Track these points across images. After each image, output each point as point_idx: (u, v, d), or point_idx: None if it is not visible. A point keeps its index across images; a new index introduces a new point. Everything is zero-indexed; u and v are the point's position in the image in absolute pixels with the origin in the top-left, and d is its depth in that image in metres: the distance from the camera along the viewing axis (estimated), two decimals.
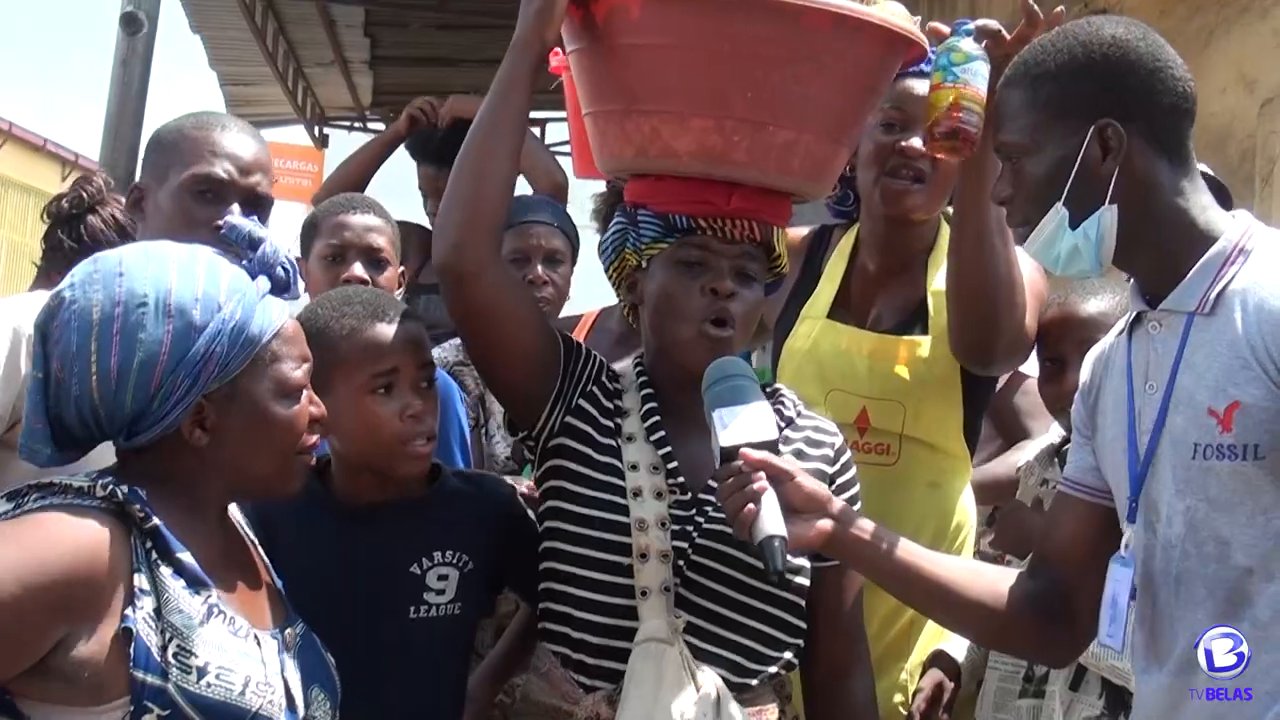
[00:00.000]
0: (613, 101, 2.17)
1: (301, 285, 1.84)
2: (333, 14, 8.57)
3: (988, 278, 2.42)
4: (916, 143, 2.55)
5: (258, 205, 2.30)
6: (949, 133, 2.21)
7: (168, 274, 1.67)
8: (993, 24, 2.24)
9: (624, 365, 2.27)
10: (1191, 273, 1.78)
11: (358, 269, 2.75)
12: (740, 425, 1.90)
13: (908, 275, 2.75)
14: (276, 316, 1.74)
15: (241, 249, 1.76)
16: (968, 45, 2.23)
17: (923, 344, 2.68)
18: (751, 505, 1.83)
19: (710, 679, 1.99)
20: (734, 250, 2.13)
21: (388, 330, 2.11)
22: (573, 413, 2.16)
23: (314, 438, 1.80)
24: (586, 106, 2.25)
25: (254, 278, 1.74)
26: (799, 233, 2.91)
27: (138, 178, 2.37)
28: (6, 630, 1.51)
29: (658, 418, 2.15)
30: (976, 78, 2.21)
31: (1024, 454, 2.87)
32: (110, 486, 1.61)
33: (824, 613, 2.17)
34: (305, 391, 1.77)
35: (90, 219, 2.73)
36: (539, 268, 3.12)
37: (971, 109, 2.20)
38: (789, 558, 1.86)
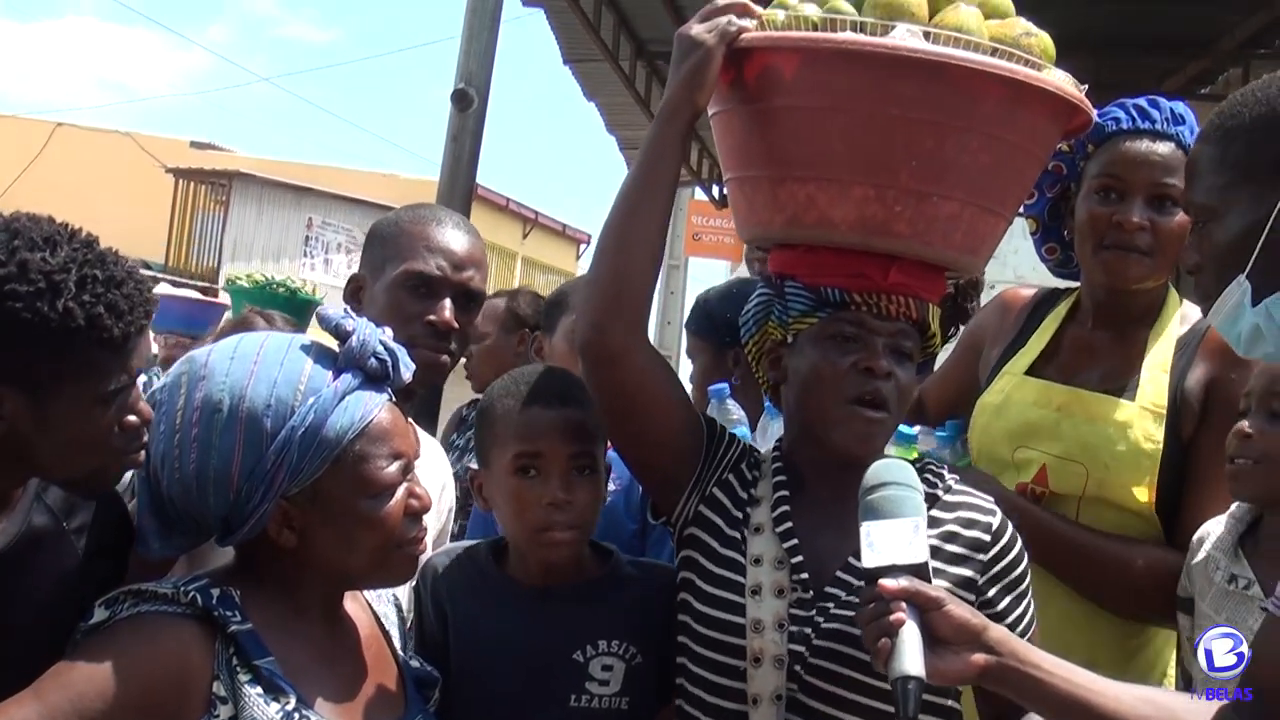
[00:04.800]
0: (763, 167, 2.04)
1: (407, 373, 1.78)
2: None
3: None
4: (1135, 216, 2.47)
5: (469, 300, 2.35)
6: None
7: (245, 377, 1.67)
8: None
9: (767, 450, 2.12)
10: None
11: None
12: (887, 545, 1.70)
13: (1125, 343, 2.61)
14: (363, 414, 1.71)
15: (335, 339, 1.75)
16: None
17: (1122, 407, 2.50)
18: (887, 640, 1.64)
19: None
20: (889, 328, 1.99)
21: (540, 413, 2.06)
22: (706, 501, 2.03)
23: (416, 530, 1.76)
24: (731, 171, 2.12)
25: (340, 373, 1.71)
26: (1024, 294, 2.82)
27: (355, 269, 2.43)
28: None
29: (786, 507, 1.99)
30: None
31: (1206, 532, 2.45)
32: (192, 593, 1.62)
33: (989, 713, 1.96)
34: (403, 486, 1.73)
35: None
36: None
37: None
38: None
